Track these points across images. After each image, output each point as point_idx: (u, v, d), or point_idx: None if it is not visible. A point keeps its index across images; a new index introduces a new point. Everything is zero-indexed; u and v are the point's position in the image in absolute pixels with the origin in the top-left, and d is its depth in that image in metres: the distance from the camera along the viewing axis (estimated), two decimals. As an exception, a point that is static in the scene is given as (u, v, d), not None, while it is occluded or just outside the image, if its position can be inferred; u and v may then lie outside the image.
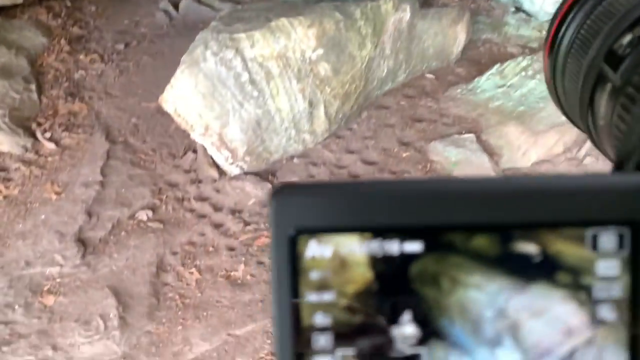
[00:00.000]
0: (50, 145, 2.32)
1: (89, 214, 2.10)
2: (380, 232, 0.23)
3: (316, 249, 0.23)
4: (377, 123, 2.38)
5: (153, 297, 1.88)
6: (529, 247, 0.23)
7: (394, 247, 0.23)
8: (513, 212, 0.23)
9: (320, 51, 2.18)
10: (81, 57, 2.71)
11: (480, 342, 0.23)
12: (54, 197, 2.16)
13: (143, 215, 2.10)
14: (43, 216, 2.10)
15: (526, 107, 2.32)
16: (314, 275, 0.23)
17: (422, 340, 0.23)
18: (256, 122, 2.15)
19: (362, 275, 0.23)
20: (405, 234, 0.23)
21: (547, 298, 0.23)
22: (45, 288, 1.92)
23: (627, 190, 0.23)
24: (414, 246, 0.23)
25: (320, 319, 0.23)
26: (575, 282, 0.23)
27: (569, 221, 0.23)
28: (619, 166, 0.31)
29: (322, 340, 0.23)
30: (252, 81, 2.12)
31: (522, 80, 2.42)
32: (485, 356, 0.23)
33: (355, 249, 0.23)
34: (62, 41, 2.74)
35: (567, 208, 0.23)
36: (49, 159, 2.28)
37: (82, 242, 2.03)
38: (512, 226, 0.23)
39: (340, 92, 2.25)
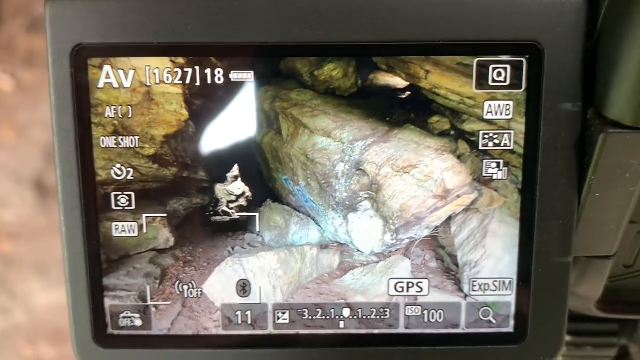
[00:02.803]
0: (8, 82, 2.23)
1: (49, 158, 2.04)
2: (198, 55, 0.17)
3: (110, 76, 0.17)
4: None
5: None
6: (394, 80, 0.17)
7: (216, 75, 0.17)
8: (375, 30, 0.17)
9: None
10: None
11: (329, 206, 0.18)
12: (10, 138, 2.08)
13: (105, 161, 2.04)
14: (-1, 159, 2.03)
15: None
16: (110, 113, 0.17)
17: (254, 202, 0.18)
18: None
19: (174, 113, 0.17)
20: (231, 57, 0.17)
21: (416, 149, 0.17)
22: (1, 233, 1.87)
23: (531, 4, 0.18)
24: (242, 75, 0.17)
25: (119, 172, 0.18)
26: (455, 128, 0.17)
27: (451, 44, 0.17)
28: None
29: (121, 200, 0.18)
30: None
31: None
32: (336, 224, 0.18)
33: (165, 77, 0.17)
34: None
35: (448, 26, 0.17)
36: (6, 97, 2.20)
37: (40, 187, 1.97)
38: (372, 50, 0.17)
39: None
